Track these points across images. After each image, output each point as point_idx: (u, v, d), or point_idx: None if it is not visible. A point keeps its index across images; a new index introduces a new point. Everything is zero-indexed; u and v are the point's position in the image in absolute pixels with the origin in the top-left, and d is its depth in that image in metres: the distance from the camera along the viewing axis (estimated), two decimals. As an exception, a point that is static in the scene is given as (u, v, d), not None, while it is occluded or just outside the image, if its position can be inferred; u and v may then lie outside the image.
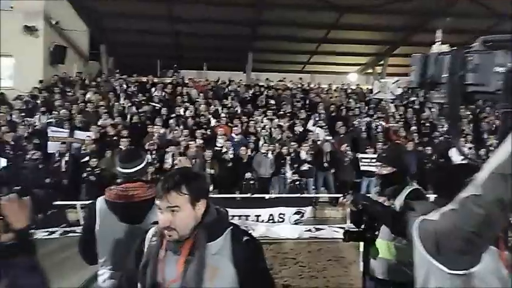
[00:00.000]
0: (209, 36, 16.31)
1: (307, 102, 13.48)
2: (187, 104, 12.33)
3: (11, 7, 13.67)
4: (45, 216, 8.39)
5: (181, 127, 10.79)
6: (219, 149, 9.96)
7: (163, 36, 16.60)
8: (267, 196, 8.57)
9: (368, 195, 2.88)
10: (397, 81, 15.05)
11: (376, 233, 2.64)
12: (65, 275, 5.15)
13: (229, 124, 11.28)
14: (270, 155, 9.34)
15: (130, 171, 2.27)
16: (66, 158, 9.05)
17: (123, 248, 2.07)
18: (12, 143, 9.17)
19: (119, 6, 13.92)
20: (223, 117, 11.58)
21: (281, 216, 8.39)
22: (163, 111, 11.56)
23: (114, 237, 2.18)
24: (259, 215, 8.30)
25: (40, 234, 7.47)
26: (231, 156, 9.65)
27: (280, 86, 15.01)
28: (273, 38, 16.65)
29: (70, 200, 8.56)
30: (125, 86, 13.55)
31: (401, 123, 12.50)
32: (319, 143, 10.50)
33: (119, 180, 2.33)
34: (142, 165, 2.34)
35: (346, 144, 10.05)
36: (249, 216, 8.25)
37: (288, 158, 9.29)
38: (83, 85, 13.42)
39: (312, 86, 15.40)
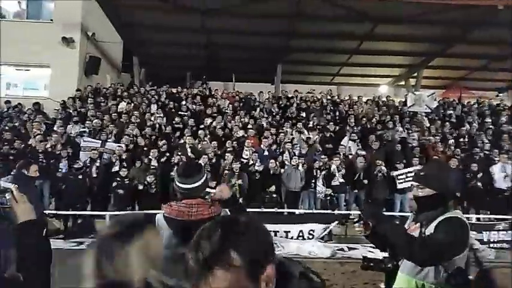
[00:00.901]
0: (239, 48, 16.35)
1: (337, 114, 13.09)
2: (215, 115, 12.27)
3: (51, 19, 14.26)
4: (73, 226, 8.48)
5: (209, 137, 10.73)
6: (246, 160, 9.78)
7: (194, 48, 16.78)
8: (297, 211, 8.23)
9: (384, 212, 2.45)
10: (433, 93, 14.44)
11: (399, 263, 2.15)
12: None
13: (258, 136, 11.10)
14: (300, 168, 9.03)
15: (190, 187, 2.09)
16: (97, 164, 9.12)
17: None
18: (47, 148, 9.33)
19: (153, 18, 14.19)
20: (251, 129, 11.42)
21: (311, 232, 8.03)
22: (191, 122, 11.54)
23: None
24: (289, 231, 7.98)
25: (68, 244, 7.44)
26: (259, 169, 9.42)
27: (310, 97, 14.71)
28: (304, 50, 16.47)
29: (99, 210, 8.61)
30: (156, 97, 13.70)
31: (438, 137, 11.88)
32: (350, 157, 10.12)
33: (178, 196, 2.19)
34: (202, 180, 2.15)
35: (379, 160, 9.59)
36: (277, 232, 7.94)
37: (319, 172, 8.94)
38: (115, 96, 13.68)
39: (342, 98, 15.00)
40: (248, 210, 7.88)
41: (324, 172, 9.06)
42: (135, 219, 1.31)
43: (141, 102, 13.16)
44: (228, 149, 9.94)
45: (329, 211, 8.43)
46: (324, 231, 7.97)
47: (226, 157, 9.42)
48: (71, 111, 12.13)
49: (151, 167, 9.15)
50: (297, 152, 10.11)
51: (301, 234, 7.97)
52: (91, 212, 8.43)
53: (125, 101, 12.99)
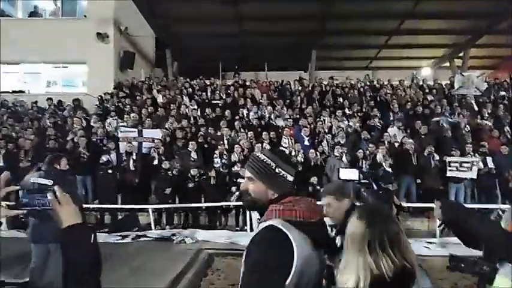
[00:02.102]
0: (271, 35, 15.86)
1: (379, 100, 12.39)
2: (250, 106, 11.98)
3: (85, 16, 14.44)
4: (117, 220, 8.54)
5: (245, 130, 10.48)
6: (286, 151, 9.44)
7: (225, 38, 16.49)
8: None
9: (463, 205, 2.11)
10: (483, 74, 13.37)
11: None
12: (147, 279, 5.10)
13: (295, 125, 10.72)
14: (344, 159, 8.58)
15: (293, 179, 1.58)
16: (134, 157, 9.11)
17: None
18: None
19: (183, 9, 14.00)
20: (289, 118, 11.04)
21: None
22: (227, 113, 11.33)
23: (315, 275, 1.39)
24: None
25: (112, 238, 7.48)
26: (302, 159, 9.06)
27: (347, 84, 14.07)
28: (339, 33, 15.67)
29: (140, 203, 8.61)
30: (190, 89, 13.62)
31: (491, 121, 10.97)
32: (396, 144, 9.51)
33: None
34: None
35: (429, 146, 8.92)
36: (322, 224, 7.58)
37: (364, 161, 8.44)
38: (150, 89, 13.71)
39: (381, 82, 14.21)
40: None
41: (368, 162, 8.54)
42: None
43: (175, 94, 13.11)
44: (265, 140, 9.63)
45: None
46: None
47: (256, 147, 9.09)
48: (108, 106, 12.25)
49: (191, 160, 9.02)
50: (337, 141, 9.64)
51: (346, 227, 7.56)
52: (133, 206, 8.43)
53: (160, 94, 12.99)
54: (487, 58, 18.09)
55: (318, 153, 9.11)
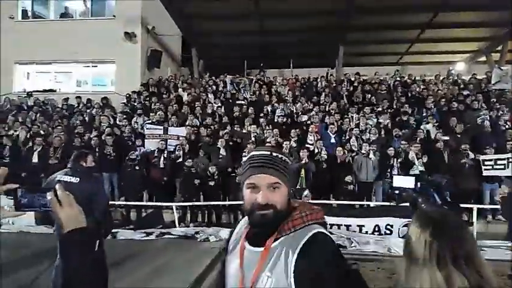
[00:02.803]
0: (296, 31, 15.56)
1: (411, 96, 11.85)
2: (276, 103, 11.78)
3: (114, 16, 14.70)
4: (142, 217, 8.57)
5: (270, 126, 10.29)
6: (311, 148, 9.18)
7: (250, 36, 16.35)
8: (372, 204, 7.47)
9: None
10: (524, 67, 12.52)
11: None
12: (171, 278, 5.04)
13: (322, 122, 10.42)
14: (372, 156, 8.20)
15: None
16: (165, 155, 9.13)
17: None
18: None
19: (208, 8, 13.98)
20: (315, 115, 10.74)
21: (388, 227, 7.24)
22: (251, 110, 11.18)
23: None
24: (363, 225, 7.27)
25: (138, 235, 7.49)
26: (325, 157, 8.76)
27: (376, 79, 13.57)
28: (367, 28, 15.13)
29: (165, 200, 8.62)
30: (214, 87, 13.60)
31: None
32: (431, 142, 9.02)
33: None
34: None
35: (465, 144, 8.39)
36: (350, 226, 7.27)
37: (396, 160, 8.04)
38: (176, 88, 13.79)
39: (413, 78, 13.60)
40: (316, 202, 7.36)
41: (400, 160, 8.13)
42: None
43: (200, 92, 13.12)
44: (292, 137, 9.39)
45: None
46: (405, 226, 7.13)
47: (287, 145, 8.85)
48: (135, 104, 12.40)
49: (220, 157, 8.94)
50: (366, 138, 9.27)
51: (377, 229, 7.22)
52: (159, 203, 8.44)
53: (186, 92, 13.03)
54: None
55: (345, 151, 8.78)
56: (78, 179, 3.64)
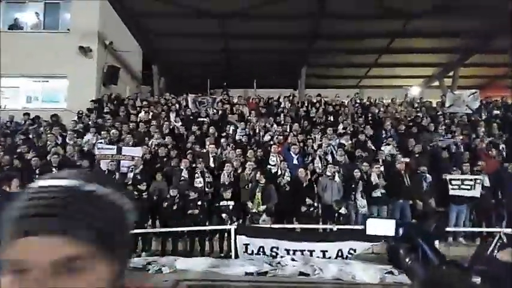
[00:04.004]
0: (259, 52, 15.63)
1: (370, 118, 12.04)
2: (237, 123, 11.51)
3: (68, 29, 13.96)
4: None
5: (232, 146, 9.95)
6: (274, 170, 8.91)
7: (213, 54, 16.20)
8: (334, 227, 7.25)
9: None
10: (475, 93, 13.19)
11: None
12: None
13: (284, 143, 10.24)
14: (337, 179, 8.05)
15: None
16: (117, 177, 8.43)
17: None
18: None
19: (170, 25, 13.68)
20: (277, 135, 10.56)
21: (351, 252, 7.02)
22: (212, 130, 10.82)
23: None
24: (326, 251, 7.00)
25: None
26: (288, 179, 8.52)
27: (337, 101, 13.76)
28: (328, 51, 15.52)
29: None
30: (177, 105, 13.13)
31: (486, 140, 10.65)
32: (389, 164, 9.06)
33: None
34: None
35: (422, 167, 8.49)
36: (313, 251, 6.98)
37: (360, 182, 7.92)
38: (134, 106, 13.16)
39: (372, 100, 13.93)
40: (277, 226, 7.00)
41: (362, 182, 8.03)
42: None
43: (161, 111, 12.59)
44: (251, 158, 9.06)
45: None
46: (368, 250, 6.95)
47: (248, 166, 8.53)
48: (87, 122, 11.63)
49: (181, 179, 8.38)
50: (329, 160, 9.16)
51: (340, 254, 6.97)
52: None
53: (144, 110, 12.45)
54: (477, 77, 18.11)
55: (308, 172, 8.58)
56: None
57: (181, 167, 8.62)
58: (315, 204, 8.00)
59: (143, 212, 7.83)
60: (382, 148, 9.67)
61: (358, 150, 9.41)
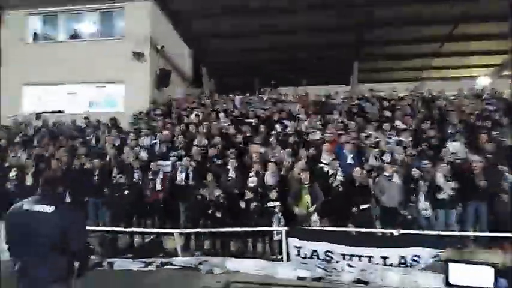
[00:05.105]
0: (308, 48, 15.14)
1: (433, 112, 11.05)
2: (286, 121, 11.18)
3: (122, 36, 14.59)
4: (141, 244, 7.92)
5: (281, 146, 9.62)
6: (326, 169, 8.43)
7: (261, 53, 16.02)
8: (396, 232, 6.63)
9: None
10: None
11: None
12: None
13: (336, 141, 9.71)
14: (396, 179, 7.40)
15: None
16: (161, 176, 8.53)
17: None
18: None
19: (218, 25, 13.75)
20: (329, 133, 10.05)
21: (415, 259, 6.37)
22: (261, 128, 10.59)
23: None
24: (386, 257, 6.42)
25: (135, 265, 6.83)
26: (341, 179, 7.99)
27: (394, 96, 12.87)
28: (383, 43, 14.58)
29: (167, 226, 7.99)
30: (224, 105, 13.16)
31: None
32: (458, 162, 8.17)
33: None
34: None
35: (499, 165, 7.51)
36: (372, 257, 6.43)
37: (422, 182, 7.21)
38: (185, 107, 13.37)
39: (434, 93, 12.82)
40: (330, 229, 6.55)
41: (425, 183, 7.30)
42: None
43: (210, 112, 12.65)
44: (301, 158, 8.64)
45: (439, 232, 6.70)
46: (434, 257, 6.26)
47: (298, 165, 8.12)
48: (142, 124, 12.00)
49: (228, 178, 8.28)
50: (388, 159, 8.48)
51: (403, 261, 6.35)
52: (160, 230, 7.80)
53: (196, 111, 12.61)
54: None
55: (364, 172, 8.00)
56: (53, 207, 3.06)
57: (228, 167, 8.49)
58: (372, 206, 7.40)
59: (195, 212, 7.82)
60: (447, 145, 8.75)
61: (419, 147, 8.61)
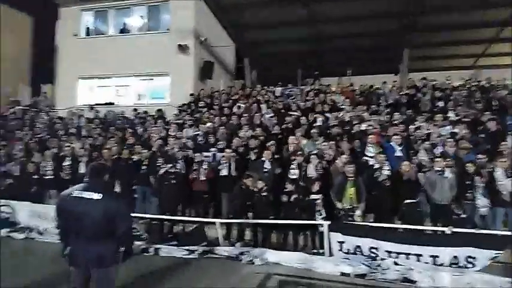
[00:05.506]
0: (354, 36, 14.55)
1: (492, 102, 10.21)
2: (328, 113, 10.87)
3: (168, 29, 14.95)
4: (185, 232, 8.12)
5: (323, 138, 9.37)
6: (370, 163, 8.08)
7: (304, 43, 15.69)
8: (448, 230, 6.21)
9: None
10: None
11: None
12: None
13: (383, 133, 9.28)
14: (448, 174, 6.92)
15: None
16: (204, 167, 8.67)
17: None
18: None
19: (260, 16, 13.63)
20: (375, 124, 9.62)
21: (470, 260, 5.93)
22: (303, 120, 10.38)
23: None
24: (437, 256, 6.03)
25: (179, 252, 7.02)
26: (388, 173, 7.61)
27: (447, 85, 12.05)
28: (435, 28, 13.64)
29: (210, 216, 8.13)
30: (266, 97, 13.09)
31: None
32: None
33: None
34: None
35: None
36: (421, 256, 6.08)
37: (479, 178, 6.68)
38: (228, 99, 13.50)
39: (493, 82, 11.83)
40: (376, 225, 6.27)
41: (482, 179, 6.75)
42: None
43: (252, 103, 12.65)
44: (345, 150, 8.35)
45: (498, 231, 6.18)
46: (492, 259, 5.79)
47: (341, 158, 7.87)
48: (185, 116, 12.27)
49: (264, 170, 8.24)
50: (439, 151, 7.96)
51: (455, 261, 5.94)
52: (202, 219, 7.95)
53: (239, 103, 12.67)
54: None
55: (413, 166, 7.56)
56: (100, 195, 3.18)
57: (263, 158, 8.43)
58: (421, 202, 7.00)
59: (237, 203, 7.86)
60: (508, 138, 8.04)
61: (475, 140, 7.98)
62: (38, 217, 8.50)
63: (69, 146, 10.19)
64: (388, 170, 7.61)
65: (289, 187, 7.55)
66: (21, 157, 10.21)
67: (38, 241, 7.87)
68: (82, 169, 8.79)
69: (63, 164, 9.38)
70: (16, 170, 9.76)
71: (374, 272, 5.85)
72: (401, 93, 11.80)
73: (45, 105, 16.08)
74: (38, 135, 12.10)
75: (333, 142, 8.81)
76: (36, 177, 9.30)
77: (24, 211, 8.71)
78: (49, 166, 9.42)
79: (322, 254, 6.75)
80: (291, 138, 9.04)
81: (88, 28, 16.22)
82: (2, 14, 17.78)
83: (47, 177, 9.31)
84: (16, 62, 18.51)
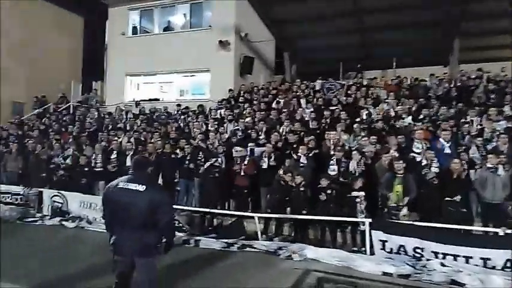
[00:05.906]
0: (400, 27, 13.89)
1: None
2: (371, 107, 10.51)
3: (210, 26, 15.19)
4: (225, 226, 8.26)
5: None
6: (418, 159, 7.70)
7: (347, 35, 15.24)
8: (500, 231, 5.79)
9: None
10: None
11: None
12: None
13: (431, 129, 8.82)
14: (501, 171, 6.44)
15: None
16: (244, 161, 8.72)
17: None
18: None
19: (301, 9, 13.41)
20: (423, 119, 9.17)
21: (526, 264, 5.49)
22: (343, 115, 10.12)
23: None
24: (488, 258, 5.65)
25: (218, 245, 7.16)
26: (436, 170, 7.22)
27: (503, 77, 11.18)
28: (489, 16, 12.66)
29: (249, 210, 8.20)
30: (306, 91, 12.92)
31: None
32: None
33: None
34: None
35: None
36: (470, 258, 5.73)
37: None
38: (267, 94, 13.49)
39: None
40: (422, 224, 5.98)
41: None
42: None
43: (292, 98, 12.54)
44: (392, 146, 8.02)
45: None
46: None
47: (388, 154, 7.58)
48: (226, 111, 12.43)
49: (300, 165, 8.17)
50: (491, 148, 7.43)
51: (509, 264, 5.53)
52: (241, 213, 8.04)
53: (279, 98, 12.63)
54: None
55: (463, 163, 7.12)
56: (144, 187, 3.31)
57: (299, 153, 8.32)
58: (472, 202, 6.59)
59: (277, 197, 7.86)
60: None
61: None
62: (87, 207, 9.04)
63: (116, 140, 10.72)
64: (437, 167, 7.23)
65: (323, 183, 7.42)
66: (73, 150, 10.87)
67: (87, 230, 8.37)
68: (128, 162, 9.20)
69: (111, 157, 9.88)
70: (68, 162, 10.41)
71: (419, 273, 5.60)
72: (451, 85, 11.12)
73: (95, 101, 17.03)
74: (89, 130, 12.83)
75: (375, 137, 8.52)
76: (86, 169, 9.86)
77: (75, 201, 9.29)
78: (99, 159, 9.95)
79: (363, 252, 6.57)
80: (331, 134, 8.85)
81: (135, 27, 16.88)
82: (56, 15, 19.04)
83: (97, 169, 9.85)
84: (69, 60, 19.73)
